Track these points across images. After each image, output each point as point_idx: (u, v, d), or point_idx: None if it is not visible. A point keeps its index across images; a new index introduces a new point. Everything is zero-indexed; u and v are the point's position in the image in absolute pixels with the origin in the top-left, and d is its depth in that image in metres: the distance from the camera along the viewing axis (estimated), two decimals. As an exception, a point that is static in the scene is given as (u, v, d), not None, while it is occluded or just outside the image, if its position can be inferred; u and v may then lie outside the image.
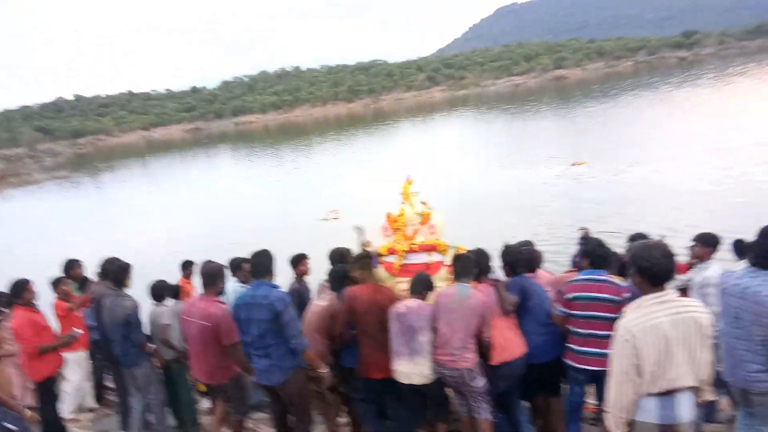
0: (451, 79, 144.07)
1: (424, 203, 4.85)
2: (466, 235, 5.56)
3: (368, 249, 4.88)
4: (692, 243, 4.82)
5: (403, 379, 4.21)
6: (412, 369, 4.17)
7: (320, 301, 4.81)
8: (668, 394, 2.71)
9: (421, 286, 4.32)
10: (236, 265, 5.81)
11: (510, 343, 4.22)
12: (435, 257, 4.59)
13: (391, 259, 4.73)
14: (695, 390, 2.78)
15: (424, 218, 4.70)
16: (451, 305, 4.13)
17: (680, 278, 4.97)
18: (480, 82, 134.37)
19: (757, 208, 12.22)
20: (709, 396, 2.82)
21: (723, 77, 54.61)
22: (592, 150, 23.71)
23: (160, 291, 5.71)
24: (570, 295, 4.05)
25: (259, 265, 4.21)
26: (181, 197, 30.11)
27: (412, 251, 4.64)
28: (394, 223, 4.73)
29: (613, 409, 2.79)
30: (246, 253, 4.85)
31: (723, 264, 4.67)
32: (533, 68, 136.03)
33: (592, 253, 4.17)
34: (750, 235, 4.62)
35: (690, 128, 25.54)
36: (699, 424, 2.89)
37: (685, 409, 2.74)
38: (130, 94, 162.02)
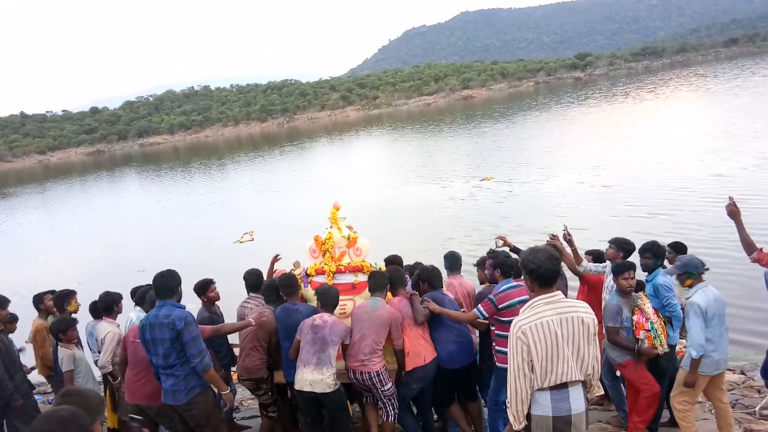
0: (364, 98, 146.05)
1: (350, 227, 5.18)
2: (387, 250, 5.88)
3: (297, 269, 5.11)
4: (608, 245, 5.22)
5: (306, 387, 4.40)
6: (316, 377, 4.38)
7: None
8: (560, 387, 2.95)
9: (333, 300, 4.63)
10: (145, 293, 5.50)
11: (421, 350, 4.63)
12: (360, 278, 4.93)
13: (319, 278, 5.01)
14: (584, 384, 3.05)
15: (351, 241, 5.03)
16: (363, 316, 4.55)
17: (588, 266, 5.37)
18: (392, 102, 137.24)
19: (622, 222, 13.54)
20: (598, 391, 3.14)
21: (608, 98, 59.57)
22: (497, 166, 25.24)
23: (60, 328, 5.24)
24: (502, 305, 4.38)
25: (162, 286, 4.20)
26: (82, 224, 28.50)
27: (339, 272, 4.96)
28: (323, 246, 5.02)
29: (512, 403, 3.01)
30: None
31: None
32: (442, 88, 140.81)
33: (503, 264, 4.58)
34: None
35: (574, 146, 27.77)
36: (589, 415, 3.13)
37: (576, 402, 2.97)
38: (24, 116, 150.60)
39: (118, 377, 5.36)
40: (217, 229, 20.77)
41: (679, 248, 5.65)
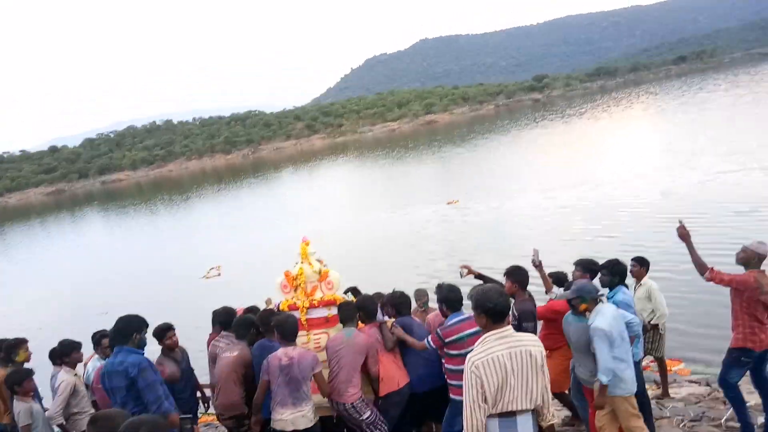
0: (329, 126, 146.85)
1: (320, 261, 5.20)
2: (357, 277, 5.90)
3: (269, 306, 5.08)
4: (573, 267, 5.27)
5: (288, 427, 4.37)
6: (296, 416, 4.37)
7: (229, 351, 4.88)
8: (508, 415, 3.10)
9: (292, 329, 4.53)
10: (96, 340, 5.49)
11: (394, 374, 4.71)
12: (333, 311, 4.94)
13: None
14: (536, 413, 3.17)
15: (322, 275, 5.06)
16: (339, 347, 4.58)
17: (558, 291, 5.36)
18: (357, 129, 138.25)
19: (576, 245, 13.61)
20: (551, 419, 3.22)
21: (564, 118, 61.56)
22: (460, 190, 25.65)
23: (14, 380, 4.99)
24: (449, 339, 4.38)
25: (118, 332, 4.12)
26: (43, 266, 27.64)
27: (312, 306, 4.98)
28: (294, 281, 5.03)
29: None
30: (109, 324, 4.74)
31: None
32: (406, 114, 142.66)
33: (446, 299, 4.58)
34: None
35: (532, 168, 28.47)
36: None
37: (524, 430, 3.11)
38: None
39: (70, 431, 5.18)
40: (184, 265, 20.46)
41: (642, 262, 5.78)
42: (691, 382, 6.83)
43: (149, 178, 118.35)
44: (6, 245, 41.75)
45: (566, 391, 5.28)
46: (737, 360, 4.72)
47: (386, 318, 4.94)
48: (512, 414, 3.10)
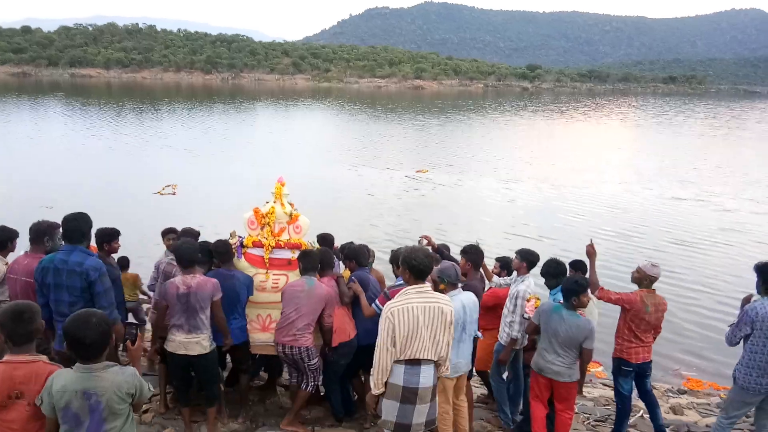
0: (316, 69, 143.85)
1: (291, 204, 5.21)
2: (318, 229, 5.82)
3: (233, 239, 4.97)
4: (514, 255, 5.40)
5: (180, 350, 4.43)
6: (190, 341, 4.44)
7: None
8: (414, 363, 3.46)
9: (188, 255, 4.46)
10: (40, 234, 4.96)
11: (346, 326, 4.91)
12: (297, 254, 4.96)
13: (254, 251, 5.02)
14: (436, 364, 3.56)
15: (293, 218, 5.10)
16: (300, 294, 4.67)
17: (498, 280, 5.62)
18: (344, 78, 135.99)
19: (514, 241, 13.37)
20: (445, 371, 3.67)
21: (545, 113, 62.32)
22: (433, 159, 25.92)
23: None
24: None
25: (74, 230, 3.98)
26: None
27: (277, 247, 5.01)
28: (263, 219, 5.03)
29: (375, 372, 3.51)
30: (55, 218, 4.57)
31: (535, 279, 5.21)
32: (395, 74, 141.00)
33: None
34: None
35: (498, 154, 28.81)
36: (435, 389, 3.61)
37: (426, 377, 3.50)
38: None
39: None
40: (137, 177, 19.90)
41: (578, 266, 5.75)
42: (605, 385, 7.19)
43: (121, 80, 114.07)
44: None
45: (489, 371, 5.42)
46: (618, 369, 5.07)
47: (343, 269, 5.05)
48: (418, 362, 3.46)
